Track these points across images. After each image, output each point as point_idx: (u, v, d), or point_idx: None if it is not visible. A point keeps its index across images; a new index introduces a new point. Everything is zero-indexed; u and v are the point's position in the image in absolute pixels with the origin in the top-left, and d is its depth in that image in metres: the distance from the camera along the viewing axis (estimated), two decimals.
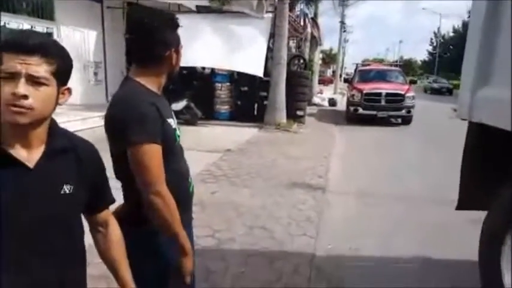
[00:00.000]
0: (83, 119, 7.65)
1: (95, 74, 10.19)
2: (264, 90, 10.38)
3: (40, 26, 8.58)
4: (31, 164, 0.97)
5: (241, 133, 9.03)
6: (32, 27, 8.29)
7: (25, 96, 0.90)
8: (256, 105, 10.78)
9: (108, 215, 1.25)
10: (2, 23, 7.56)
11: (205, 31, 9.64)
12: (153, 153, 1.32)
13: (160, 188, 1.33)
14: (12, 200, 0.93)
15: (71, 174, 1.05)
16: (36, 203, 0.97)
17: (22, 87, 0.90)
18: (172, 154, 1.44)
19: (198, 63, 9.85)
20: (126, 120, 1.31)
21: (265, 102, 10.37)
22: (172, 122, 1.44)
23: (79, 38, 9.52)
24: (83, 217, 1.17)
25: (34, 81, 0.92)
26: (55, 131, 1.04)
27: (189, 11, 10.31)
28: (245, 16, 10.04)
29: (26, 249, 0.97)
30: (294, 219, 4.10)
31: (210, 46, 9.68)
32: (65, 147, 1.05)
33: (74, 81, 7.91)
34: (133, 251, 1.43)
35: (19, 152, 0.96)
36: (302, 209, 4.43)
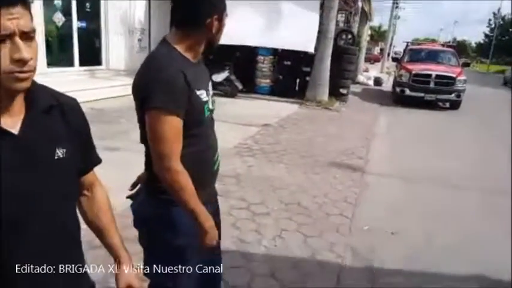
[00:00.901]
0: (124, 84, 7.80)
1: (139, 40, 10.27)
2: (308, 65, 10.04)
3: None
4: (16, 131, 0.84)
5: (281, 108, 8.85)
6: None
7: (31, 59, 0.79)
8: (298, 81, 10.49)
9: (94, 177, 1.12)
10: None
11: (252, 6, 9.35)
12: (170, 124, 1.23)
13: (172, 163, 1.25)
14: (4, 172, 0.81)
15: (61, 136, 0.92)
16: (28, 171, 0.85)
17: (24, 50, 0.77)
18: (198, 128, 1.35)
19: (245, 41, 9.55)
20: (149, 82, 1.24)
21: (307, 78, 10.05)
22: (203, 93, 1.34)
23: (125, 4, 9.57)
24: None
25: (27, 37, 0.78)
26: (35, 89, 0.88)
27: None
28: None
29: (22, 227, 0.86)
30: (330, 198, 3.97)
31: (258, 23, 9.41)
32: (48, 105, 0.91)
33: (119, 47, 8.05)
34: (153, 221, 1.40)
35: (4, 120, 0.82)
36: (339, 188, 4.27)
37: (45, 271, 0.89)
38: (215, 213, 1.55)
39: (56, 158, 0.90)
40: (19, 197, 0.84)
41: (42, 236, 0.89)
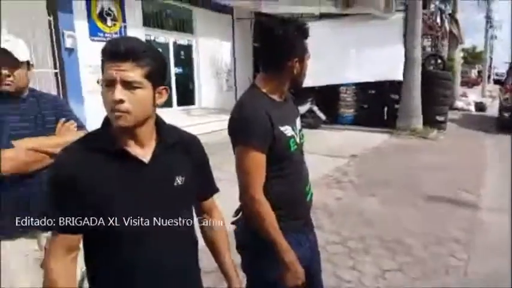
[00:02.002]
0: (216, 121, 8.27)
1: (227, 80, 10.88)
2: (396, 92, 9.51)
3: (182, 39, 9.58)
4: (146, 160, 1.05)
5: (368, 138, 8.42)
6: (175, 40, 9.32)
7: (121, 101, 0.96)
8: (386, 109, 9.96)
9: (212, 203, 1.30)
10: (152, 38, 8.65)
11: (330, 39, 9.13)
12: (252, 159, 1.35)
13: (254, 193, 1.35)
14: (130, 192, 1.01)
15: (181, 166, 1.11)
16: (151, 194, 1.04)
17: (117, 93, 0.95)
18: (285, 161, 1.43)
19: (327, 80, 9.33)
20: (236, 122, 1.40)
21: (396, 106, 9.49)
22: (288, 129, 1.42)
23: (213, 48, 10.29)
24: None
25: (128, 86, 0.96)
26: (163, 127, 1.11)
27: (310, 16, 10.15)
28: (372, 18, 9.35)
29: (143, 239, 1.04)
30: (436, 236, 3.49)
31: (337, 58, 9.17)
32: (173, 142, 1.12)
33: (210, 87, 8.62)
34: (250, 248, 1.48)
35: (135, 150, 1.04)
36: (446, 226, 3.75)
37: (162, 278, 1.07)
38: (313, 245, 1.58)
39: (175, 184, 1.08)
40: (143, 213, 1.02)
41: (159, 248, 1.06)
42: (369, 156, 6.84)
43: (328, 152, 6.81)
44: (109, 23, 7.49)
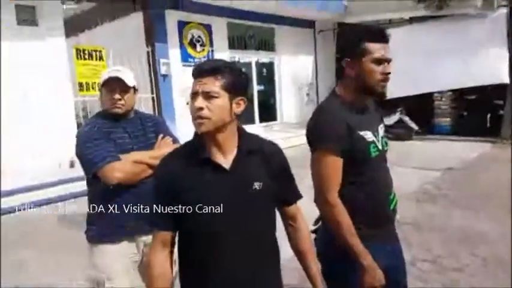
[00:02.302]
0: (295, 136, 8.34)
1: (307, 94, 10.93)
2: (499, 97, 8.50)
3: (264, 58, 9.95)
4: (227, 166, 1.17)
5: (467, 149, 7.65)
6: (257, 59, 9.70)
7: (201, 108, 1.12)
8: (489, 116, 8.93)
9: (296, 209, 1.35)
10: (237, 59, 9.14)
11: (421, 44, 8.54)
12: (327, 162, 1.37)
13: (328, 196, 1.37)
14: (215, 196, 1.15)
15: (260, 172, 1.20)
16: (232, 198, 1.15)
17: (198, 102, 1.12)
18: (364, 166, 1.42)
19: (421, 89, 8.72)
20: (312, 126, 1.45)
21: (501, 112, 8.47)
22: (368, 134, 1.42)
23: (294, 64, 10.46)
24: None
25: (208, 96, 1.12)
26: (244, 137, 1.24)
27: (400, 22, 9.68)
28: (468, 17, 8.48)
29: (225, 239, 1.16)
30: None
31: (430, 62, 8.43)
32: (253, 149, 1.22)
33: (291, 102, 8.81)
34: (326, 251, 1.49)
35: (218, 157, 1.18)
36: None
37: (241, 276, 1.17)
38: (396, 255, 1.54)
39: (253, 189, 1.18)
40: (225, 216, 1.14)
41: (240, 249, 1.17)
42: (467, 169, 6.21)
43: (420, 165, 6.37)
44: (198, 48, 8.15)
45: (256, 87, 9.73)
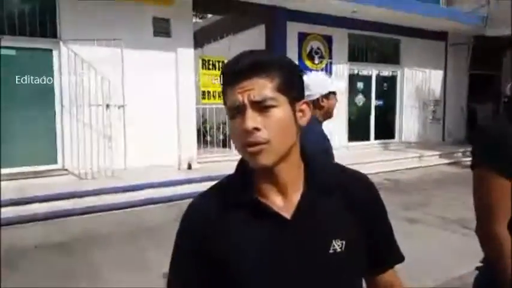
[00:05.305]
0: (414, 156, 7.57)
1: (433, 112, 9.91)
2: None
3: (386, 71, 9.36)
4: (288, 214, 0.76)
5: None
6: (378, 72, 9.17)
7: (256, 129, 0.71)
8: None
9: (392, 276, 0.90)
10: (356, 71, 8.80)
11: None
12: (493, 185, 1.15)
13: (492, 227, 1.14)
14: (266, 259, 0.74)
15: (342, 225, 0.78)
16: (295, 263, 0.74)
17: (249, 120, 0.71)
18: None
19: None
20: (477, 141, 1.25)
21: None
22: None
23: (420, 78, 9.61)
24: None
25: (261, 107, 0.72)
26: (314, 166, 0.80)
27: None
28: None
29: None
30: None
31: None
32: (331, 189, 0.79)
33: (412, 120, 8.10)
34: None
35: (274, 200, 0.77)
36: None
37: None
38: None
39: (330, 251, 0.76)
40: (281, 286, 0.74)
41: None
42: None
43: None
44: (316, 60, 8.06)
45: (374, 102, 9.22)
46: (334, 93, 1.92)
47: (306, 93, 1.82)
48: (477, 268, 1.33)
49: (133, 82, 5.87)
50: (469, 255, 1.36)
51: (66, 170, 5.69)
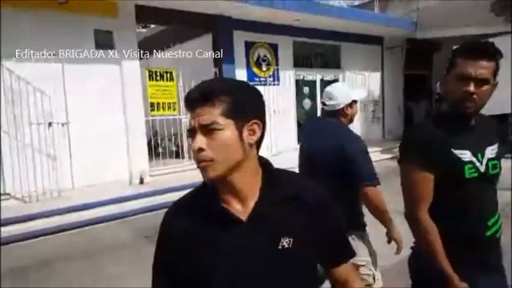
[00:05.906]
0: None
1: (373, 111, 10.55)
2: None
3: (328, 75, 9.78)
4: (245, 217, 0.87)
5: None
6: (322, 77, 9.57)
7: (200, 150, 0.84)
8: None
9: (347, 270, 1.02)
10: (301, 77, 9.11)
11: None
12: (414, 175, 1.35)
13: (416, 211, 1.35)
14: (224, 255, 0.86)
15: (291, 225, 0.88)
16: (249, 259, 0.86)
17: (196, 141, 0.84)
18: (457, 188, 1.34)
19: None
20: (404, 139, 1.45)
21: None
22: (466, 154, 1.32)
23: (360, 81, 10.16)
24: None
25: (207, 130, 0.84)
26: (271, 175, 0.92)
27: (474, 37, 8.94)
28: None
29: None
30: None
31: None
32: (283, 196, 0.90)
33: (356, 120, 8.39)
34: (416, 269, 1.47)
35: (234, 205, 0.89)
36: None
37: None
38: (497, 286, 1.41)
39: (279, 247, 0.87)
40: (235, 282, 0.85)
41: None
42: None
43: None
44: (264, 67, 8.25)
45: (319, 105, 9.56)
46: (355, 101, 2.08)
47: (332, 102, 2.01)
48: (411, 248, 1.52)
49: (76, 98, 5.63)
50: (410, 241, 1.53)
51: (8, 194, 5.30)
